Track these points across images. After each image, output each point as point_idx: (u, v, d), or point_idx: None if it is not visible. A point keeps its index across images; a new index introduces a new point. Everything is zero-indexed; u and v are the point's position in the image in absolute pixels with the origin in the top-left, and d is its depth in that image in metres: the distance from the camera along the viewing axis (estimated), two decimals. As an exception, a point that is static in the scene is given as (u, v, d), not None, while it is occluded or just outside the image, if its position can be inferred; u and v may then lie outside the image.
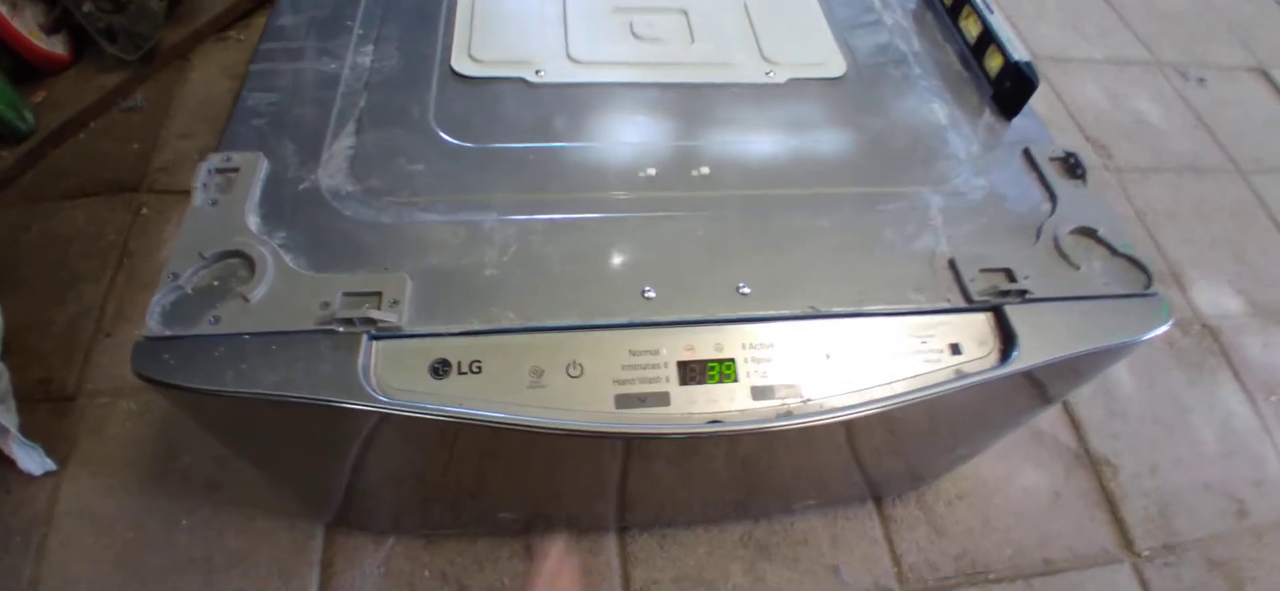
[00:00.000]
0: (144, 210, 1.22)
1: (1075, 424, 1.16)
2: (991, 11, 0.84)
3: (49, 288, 1.13)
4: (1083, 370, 0.73)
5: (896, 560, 0.99)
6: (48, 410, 1.02)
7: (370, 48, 0.77)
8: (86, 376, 1.05)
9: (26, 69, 1.32)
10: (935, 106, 0.80)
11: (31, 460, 0.96)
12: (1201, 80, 1.81)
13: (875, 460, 0.85)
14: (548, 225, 0.64)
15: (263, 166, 0.65)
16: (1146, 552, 1.09)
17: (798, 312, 0.61)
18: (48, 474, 0.97)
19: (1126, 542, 1.09)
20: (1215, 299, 1.35)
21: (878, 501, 1.03)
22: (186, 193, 1.19)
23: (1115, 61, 1.80)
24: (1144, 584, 1.06)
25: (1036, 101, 0.79)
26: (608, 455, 0.68)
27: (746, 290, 0.61)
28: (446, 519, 0.91)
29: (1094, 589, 1.05)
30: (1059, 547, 1.06)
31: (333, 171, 0.66)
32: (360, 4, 0.82)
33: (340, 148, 0.68)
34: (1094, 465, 1.14)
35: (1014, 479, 1.09)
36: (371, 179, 0.65)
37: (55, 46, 1.37)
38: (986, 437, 0.88)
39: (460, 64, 0.76)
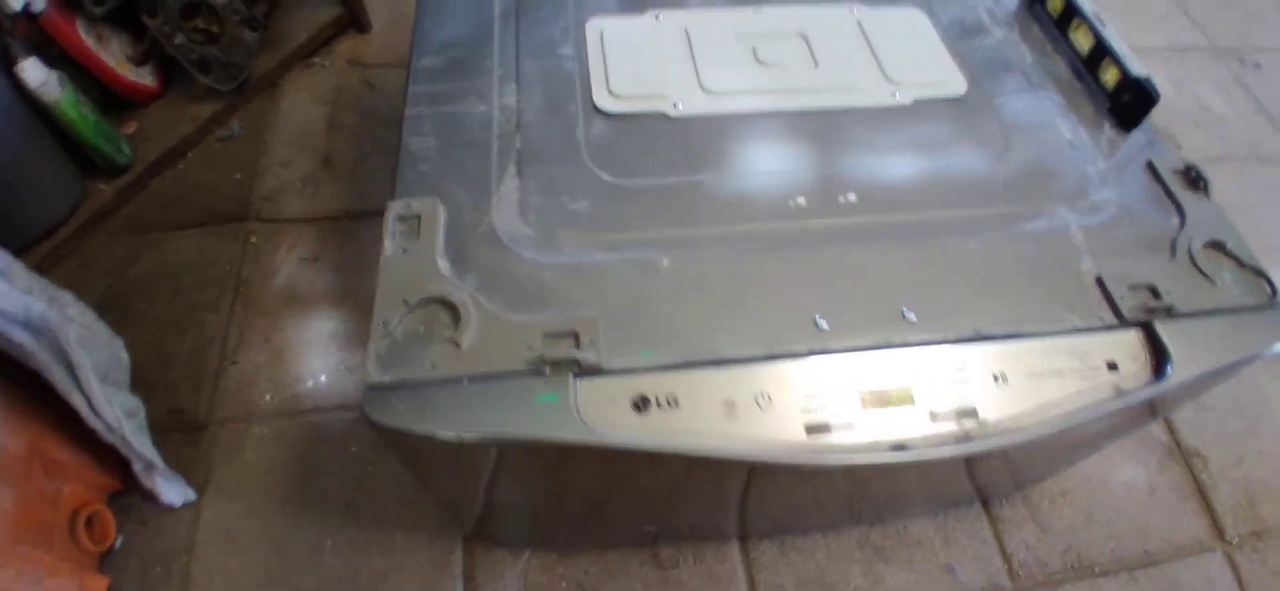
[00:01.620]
0: (252, 239, 1.26)
1: (1167, 419, 1.19)
2: (1104, 25, 0.86)
3: (168, 318, 1.17)
4: (1211, 380, 0.76)
5: (1006, 558, 1.03)
6: (179, 440, 1.07)
7: (513, 87, 0.81)
8: (216, 404, 1.09)
9: (116, 100, 1.36)
10: (1058, 121, 0.83)
11: (174, 491, 1.00)
12: (1257, 65, 1.82)
13: (997, 468, 0.88)
14: (714, 259, 0.67)
15: (441, 212, 0.68)
16: (1236, 540, 1.12)
17: (964, 336, 0.64)
18: (186, 504, 1.01)
19: (1218, 531, 1.12)
20: (1294, 287, 1.37)
21: (985, 502, 1.06)
22: (293, 221, 1.24)
23: (1175, 48, 1.82)
24: (1235, 569, 1.10)
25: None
26: (759, 473, 0.72)
27: (912, 316, 0.65)
28: (583, 532, 0.95)
29: (1189, 577, 1.08)
30: (1156, 539, 1.09)
31: (504, 214, 0.69)
32: (494, 42, 0.85)
33: (507, 189, 0.72)
34: (1185, 458, 1.16)
35: (1113, 474, 1.12)
36: (541, 220, 0.69)
37: (144, 78, 1.41)
38: (1107, 442, 0.91)
39: (602, 100, 0.79)
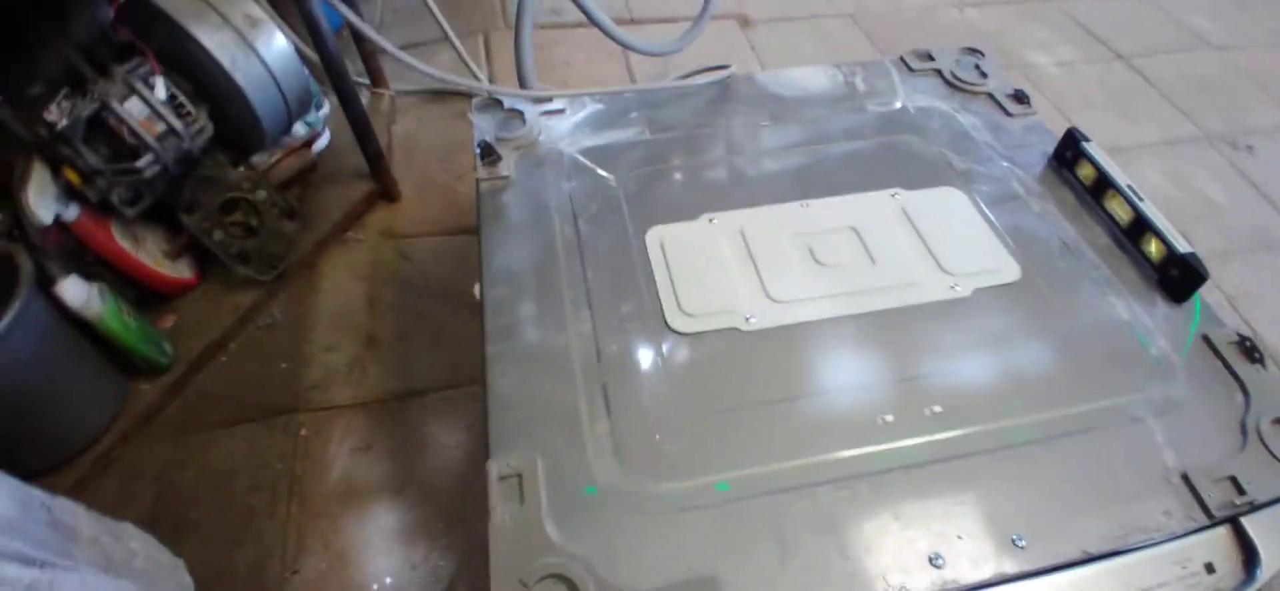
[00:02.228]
0: (303, 432, 1.26)
1: None
2: (1141, 199, 0.90)
3: (223, 528, 1.16)
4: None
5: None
6: (251, 661, 1.05)
7: (587, 313, 0.83)
8: (283, 619, 1.08)
9: (152, 295, 1.37)
10: (1113, 300, 0.86)
11: None
12: (1250, 147, 1.90)
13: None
14: (834, 496, 0.68)
15: (540, 467, 0.70)
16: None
17: (1074, 558, 0.65)
18: None
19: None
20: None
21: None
22: (342, 408, 1.25)
23: (1168, 141, 1.89)
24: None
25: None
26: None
27: (1022, 543, 0.66)
28: None
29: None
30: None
31: (603, 461, 0.71)
32: (560, 264, 0.88)
33: (599, 433, 0.73)
34: None
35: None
36: (642, 465, 0.70)
37: (181, 271, 1.43)
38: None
39: (676, 321, 0.82)
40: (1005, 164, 1.03)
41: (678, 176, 1.00)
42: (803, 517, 0.67)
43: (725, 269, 0.87)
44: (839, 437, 0.73)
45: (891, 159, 1.04)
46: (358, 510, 1.18)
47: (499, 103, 1.09)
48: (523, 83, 1.31)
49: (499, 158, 1.00)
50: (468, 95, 1.81)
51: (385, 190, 1.54)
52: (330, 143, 1.60)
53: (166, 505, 1.19)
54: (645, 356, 0.79)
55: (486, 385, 0.77)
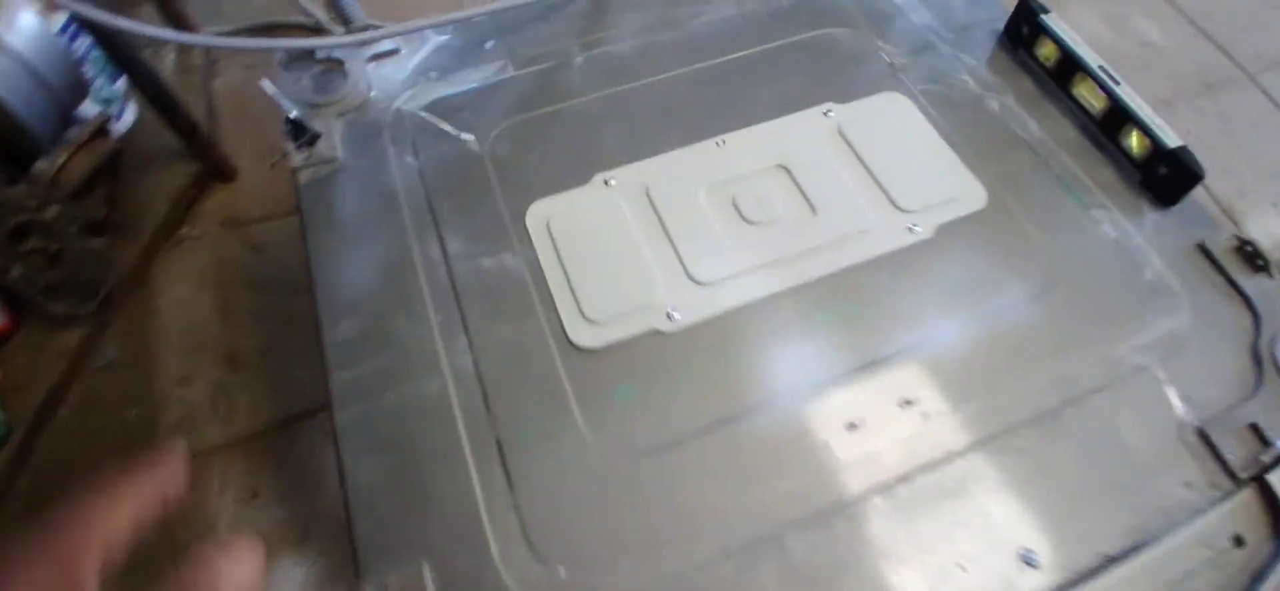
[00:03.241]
0: (163, 490, 1.04)
1: None
2: (1119, 83, 0.75)
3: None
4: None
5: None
6: None
7: (463, 342, 0.64)
8: None
9: (-44, 350, 1.10)
10: (1095, 214, 0.72)
11: None
12: (1179, -24, 1.78)
13: None
14: (796, 541, 0.54)
15: (430, 579, 0.52)
16: None
17: (1094, 566, 0.54)
18: None
19: None
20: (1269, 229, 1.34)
21: None
22: (214, 450, 1.03)
23: (1097, -21, 1.75)
24: None
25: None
26: None
27: (1036, 559, 0.54)
28: None
29: None
30: None
31: (511, 554, 0.54)
32: (418, 272, 0.68)
33: (499, 511, 0.56)
34: None
35: None
36: (558, 552, 0.54)
37: (-13, 316, 1.15)
38: None
39: (579, 333, 0.64)
40: (949, 51, 0.86)
41: (559, 127, 0.79)
42: (770, 582, 0.53)
43: (633, 248, 0.69)
44: (800, 462, 0.58)
45: (817, 62, 0.85)
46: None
47: (309, 55, 0.83)
48: (340, 13, 1.04)
49: (316, 135, 0.76)
50: (302, 25, 1.50)
51: (216, 167, 1.25)
52: (140, 116, 1.29)
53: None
54: (546, 392, 0.61)
55: (342, 473, 0.58)
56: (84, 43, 1.14)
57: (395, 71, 0.85)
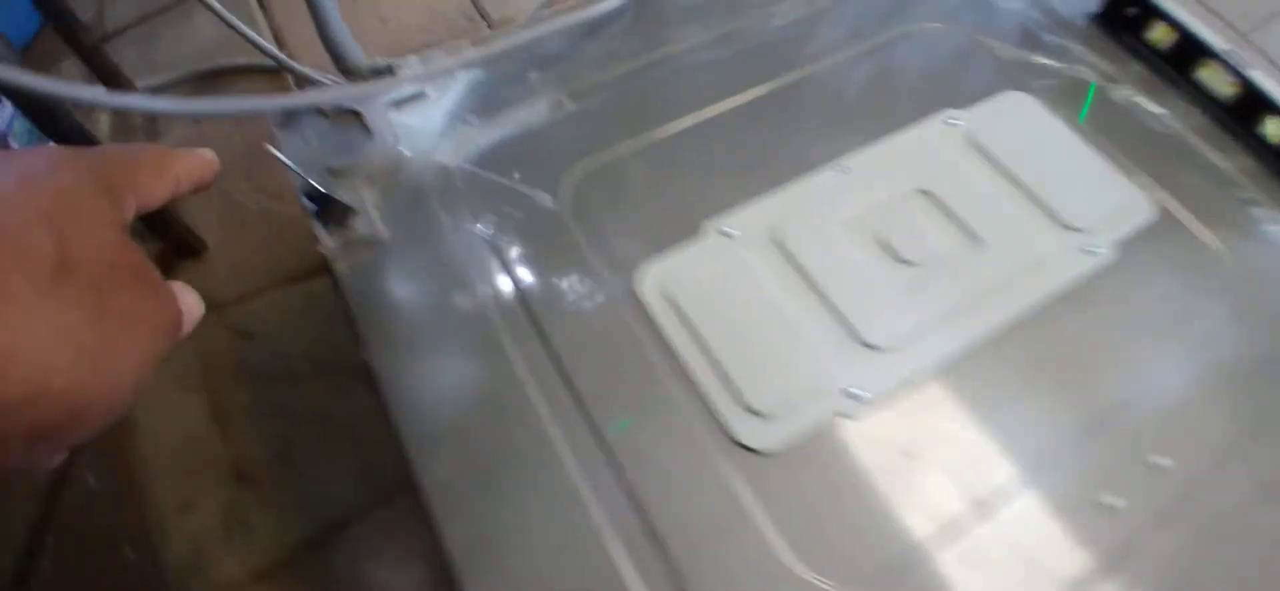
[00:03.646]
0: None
1: None
2: (1245, 66, 0.68)
3: None
4: None
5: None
6: None
7: (599, 458, 0.51)
8: None
9: None
10: (1255, 213, 0.64)
11: None
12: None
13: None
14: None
15: None
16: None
17: None
18: None
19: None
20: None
21: None
22: (238, 586, 0.86)
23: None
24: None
25: None
26: None
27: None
28: None
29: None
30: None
31: None
32: (529, 390, 0.54)
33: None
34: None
35: None
36: None
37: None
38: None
39: (747, 431, 0.51)
40: (1054, 39, 0.77)
41: (644, 168, 0.66)
42: None
43: (782, 313, 0.56)
44: (1068, 560, 0.47)
45: (917, 62, 0.75)
46: None
47: (318, 110, 0.68)
48: (337, 57, 0.87)
49: (347, 209, 0.61)
50: (259, 69, 1.31)
51: (181, 242, 1.06)
52: (73, 194, 1.08)
53: None
54: (718, 509, 0.48)
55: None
56: (3, 113, 0.94)
57: (424, 119, 0.70)
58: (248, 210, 1.16)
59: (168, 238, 1.05)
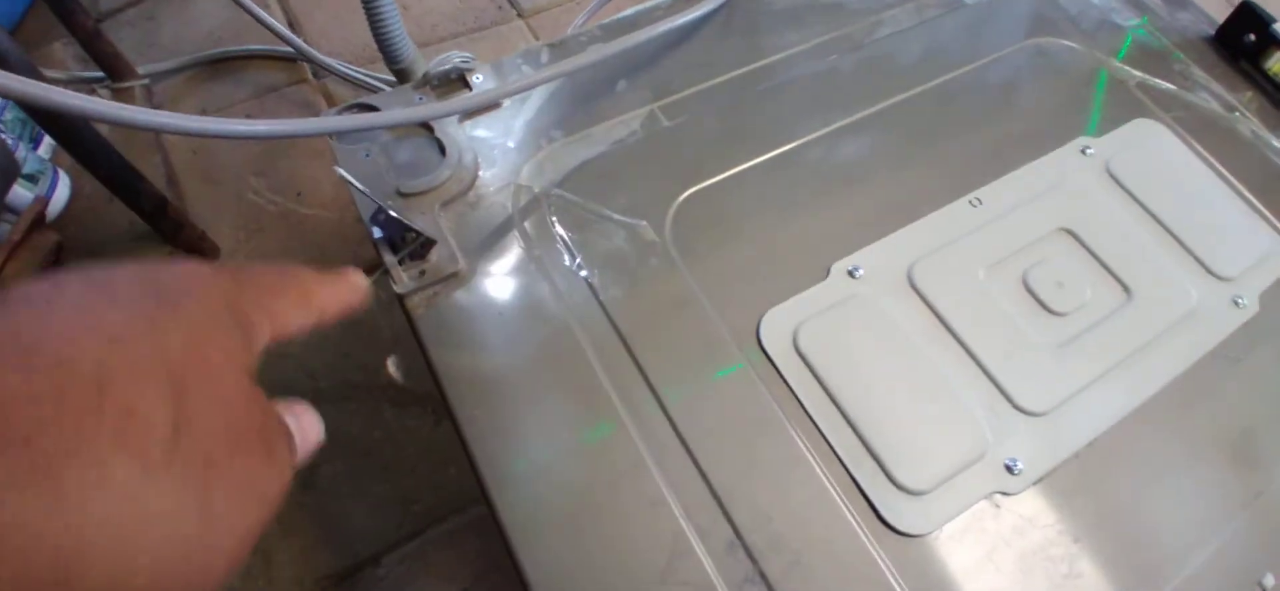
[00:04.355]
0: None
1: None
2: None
3: None
4: None
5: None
6: None
7: (724, 528, 0.45)
8: None
9: None
10: None
11: None
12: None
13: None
14: None
15: None
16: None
17: None
18: None
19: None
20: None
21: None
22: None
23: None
24: None
25: None
26: None
27: None
28: None
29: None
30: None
31: None
32: (642, 453, 0.47)
33: None
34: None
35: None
36: None
37: None
38: None
39: (898, 514, 0.45)
40: (1178, 64, 0.72)
41: (756, 197, 0.59)
42: None
43: (925, 370, 0.51)
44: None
45: (1039, 83, 0.69)
46: None
47: (386, 127, 0.60)
48: (390, 57, 0.79)
49: (428, 242, 0.54)
50: (272, 56, 1.21)
51: (191, 247, 0.97)
52: (74, 190, 0.99)
53: None
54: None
55: None
56: None
57: (500, 133, 0.63)
58: (264, 211, 1.07)
59: (178, 240, 0.96)
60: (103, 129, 1.07)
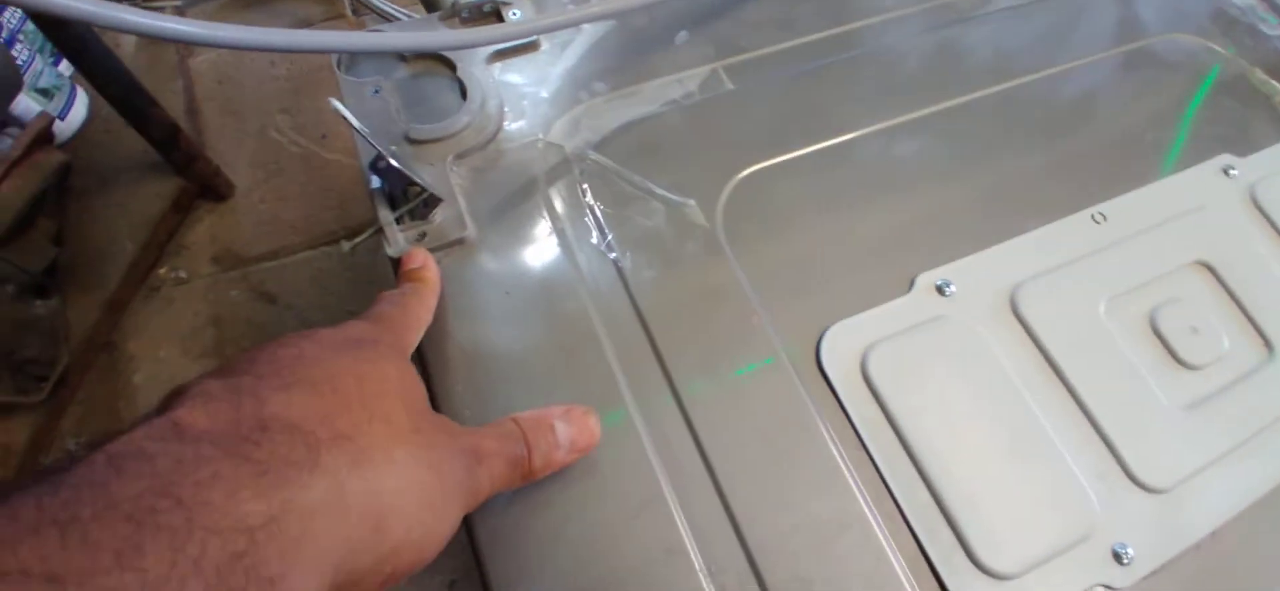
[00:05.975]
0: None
1: None
2: None
3: None
4: None
5: None
6: None
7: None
8: None
9: None
10: None
11: None
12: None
13: None
14: None
15: None
16: None
17: None
18: None
19: None
20: None
21: None
22: None
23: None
24: None
25: None
26: None
27: None
28: None
29: None
30: None
31: None
32: (664, 489, 0.39)
33: None
34: None
35: None
36: None
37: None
38: None
39: (982, 601, 0.36)
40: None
41: (830, 184, 0.49)
42: None
43: (1021, 424, 0.41)
44: None
45: (1171, 83, 0.58)
46: None
47: (396, 54, 0.52)
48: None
49: (428, 197, 0.45)
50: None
51: (204, 182, 0.91)
52: (92, 111, 0.94)
53: None
54: None
55: None
56: (12, 17, 0.78)
57: (534, 80, 0.54)
58: (285, 152, 1.00)
59: (189, 174, 0.90)
60: (127, 52, 1.01)
